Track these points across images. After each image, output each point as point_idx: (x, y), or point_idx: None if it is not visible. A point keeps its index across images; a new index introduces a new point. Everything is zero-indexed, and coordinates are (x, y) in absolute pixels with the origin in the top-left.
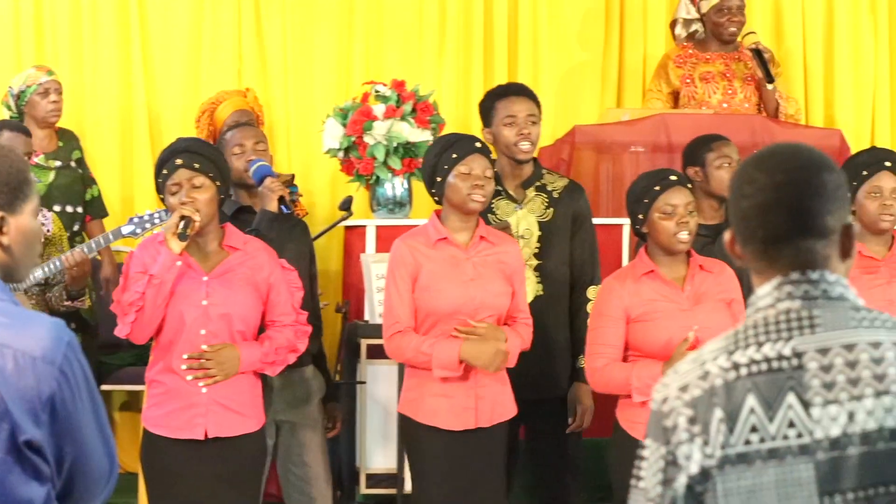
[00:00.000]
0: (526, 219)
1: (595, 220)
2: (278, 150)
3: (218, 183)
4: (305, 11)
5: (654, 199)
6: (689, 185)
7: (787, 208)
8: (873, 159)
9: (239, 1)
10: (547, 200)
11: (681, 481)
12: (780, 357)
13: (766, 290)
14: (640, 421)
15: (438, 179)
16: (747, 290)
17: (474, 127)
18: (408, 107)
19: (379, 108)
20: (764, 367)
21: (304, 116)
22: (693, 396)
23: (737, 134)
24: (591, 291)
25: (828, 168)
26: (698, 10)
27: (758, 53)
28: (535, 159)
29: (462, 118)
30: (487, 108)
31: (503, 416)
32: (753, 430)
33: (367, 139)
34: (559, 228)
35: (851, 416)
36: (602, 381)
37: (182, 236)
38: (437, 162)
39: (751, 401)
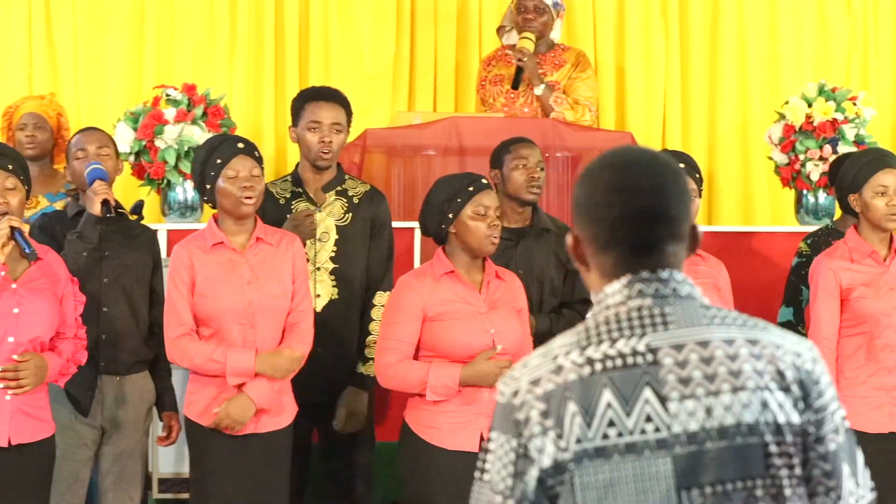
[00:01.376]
0: (324, 222)
1: None
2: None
3: (26, 187)
4: (96, 15)
5: (468, 199)
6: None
7: (657, 216)
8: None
9: (29, 4)
10: (346, 205)
11: (532, 474)
12: (635, 353)
13: (615, 288)
14: (430, 424)
15: (208, 186)
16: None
17: (265, 130)
18: (199, 110)
19: (170, 112)
20: (619, 362)
21: (95, 120)
22: (546, 390)
23: (528, 137)
24: (379, 297)
25: (681, 173)
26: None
27: (517, 60)
28: (338, 164)
29: (253, 122)
30: (297, 108)
31: (280, 424)
32: (611, 424)
33: (159, 143)
34: (357, 233)
35: (709, 412)
36: (394, 377)
37: (31, 255)
38: (203, 169)
39: (607, 395)
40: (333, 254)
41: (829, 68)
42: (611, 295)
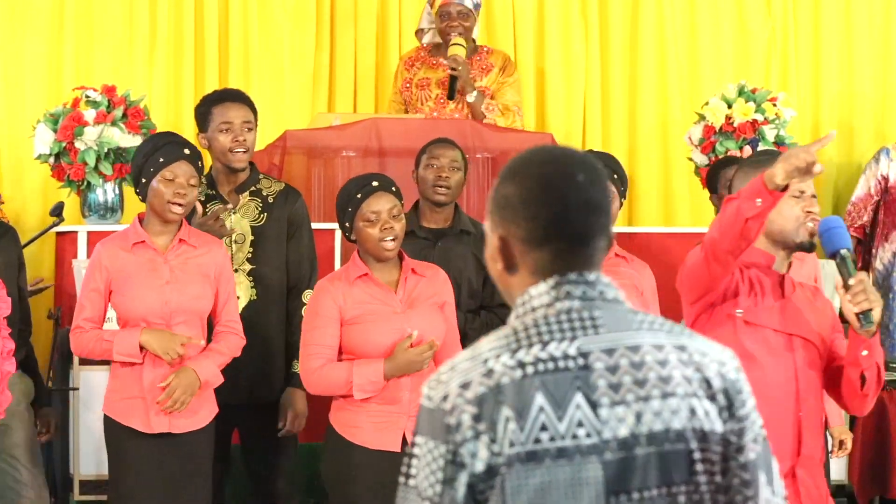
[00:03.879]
0: (239, 223)
1: None
2: None
3: None
4: (14, 16)
5: (358, 206)
6: (394, 189)
7: (595, 208)
8: None
9: None
10: (261, 205)
11: (461, 480)
12: (566, 356)
13: (541, 290)
14: (353, 424)
15: (143, 181)
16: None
17: (185, 131)
18: (118, 112)
19: (90, 114)
20: (551, 366)
21: (14, 122)
22: (477, 394)
23: (449, 138)
24: (307, 295)
25: (599, 174)
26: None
27: (452, 68)
28: (251, 164)
29: (173, 123)
30: (203, 113)
31: (197, 424)
32: (543, 428)
33: (78, 144)
34: (273, 233)
35: (639, 417)
36: (319, 382)
37: None
38: (144, 163)
39: (540, 399)
40: (250, 255)
41: (749, 69)
42: (536, 297)
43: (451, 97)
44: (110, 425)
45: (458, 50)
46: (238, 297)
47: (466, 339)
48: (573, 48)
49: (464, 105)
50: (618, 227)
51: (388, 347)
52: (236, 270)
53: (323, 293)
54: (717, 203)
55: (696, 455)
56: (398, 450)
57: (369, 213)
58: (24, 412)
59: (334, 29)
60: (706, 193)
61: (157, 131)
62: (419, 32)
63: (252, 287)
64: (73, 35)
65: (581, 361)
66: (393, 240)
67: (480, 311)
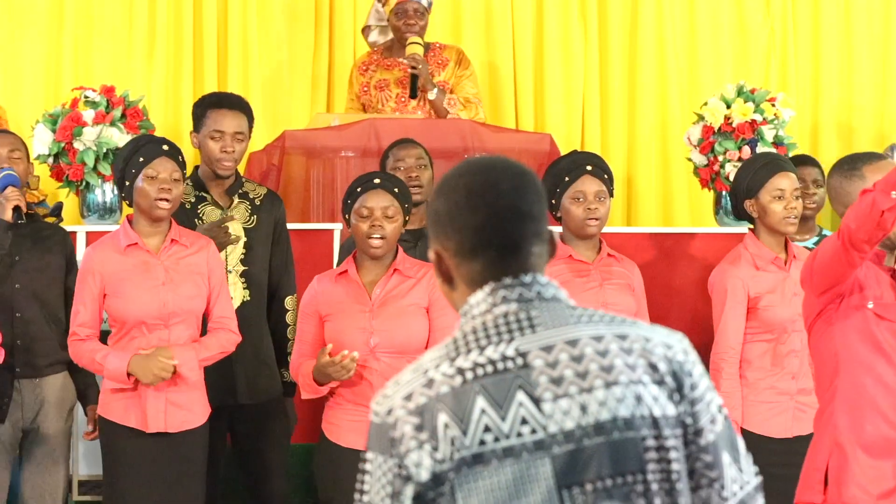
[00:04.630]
0: (232, 225)
1: (307, 226)
2: None
3: None
4: (14, 16)
5: (355, 200)
6: (396, 190)
7: (522, 215)
8: (574, 164)
9: None
10: (250, 208)
11: (407, 493)
12: (505, 358)
13: (479, 297)
14: (338, 424)
15: (127, 183)
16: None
17: (184, 132)
18: (117, 112)
19: (88, 114)
20: (489, 369)
21: (12, 122)
22: (418, 404)
23: (446, 139)
24: (290, 301)
25: (535, 174)
26: (384, 19)
27: (413, 67)
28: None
29: (172, 123)
30: (199, 114)
31: (192, 423)
32: (487, 430)
33: (77, 145)
34: (262, 235)
35: (584, 409)
36: (295, 377)
37: None
38: (125, 166)
39: (480, 402)
40: (243, 256)
41: (748, 69)
42: (475, 305)
43: (413, 96)
44: (106, 425)
45: (416, 48)
46: (231, 298)
47: None
48: (572, 49)
49: (425, 102)
50: (617, 228)
51: (346, 346)
52: (230, 272)
53: (308, 290)
54: (732, 203)
55: (650, 442)
56: None
57: (363, 207)
58: (63, 417)
59: (333, 29)
60: (705, 193)
61: (156, 132)
62: (366, 30)
63: (245, 288)
64: (72, 35)
65: (520, 361)
66: (380, 238)
67: None
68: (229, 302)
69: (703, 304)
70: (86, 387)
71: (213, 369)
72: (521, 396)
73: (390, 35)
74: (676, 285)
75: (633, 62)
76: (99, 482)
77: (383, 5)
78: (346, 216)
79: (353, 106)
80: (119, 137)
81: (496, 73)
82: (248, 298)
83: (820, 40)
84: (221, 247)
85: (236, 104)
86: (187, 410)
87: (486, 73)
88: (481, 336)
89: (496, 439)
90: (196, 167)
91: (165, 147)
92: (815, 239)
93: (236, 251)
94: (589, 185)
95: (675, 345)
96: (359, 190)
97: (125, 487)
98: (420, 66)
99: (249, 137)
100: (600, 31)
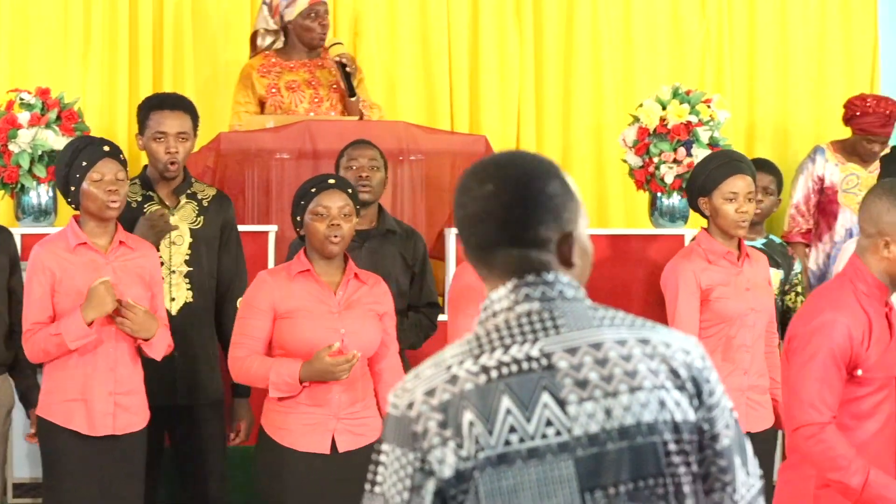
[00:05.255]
0: (178, 225)
1: (243, 228)
2: None
3: None
4: None
5: (310, 200)
6: (350, 191)
7: (493, 218)
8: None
9: None
10: (197, 208)
11: (429, 488)
12: (529, 358)
13: (501, 294)
14: (282, 426)
15: (73, 188)
16: None
17: (120, 133)
18: (52, 115)
19: (24, 116)
20: (514, 368)
21: None
22: (442, 400)
23: (381, 141)
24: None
25: (544, 178)
26: (281, 20)
27: (341, 66)
28: (184, 168)
29: (107, 125)
30: (142, 117)
31: (136, 426)
32: (512, 430)
33: (12, 147)
34: (209, 237)
35: (608, 413)
36: (241, 371)
37: None
38: (68, 171)
39: (506, 402)
40: (188, 257)
41: (684, 71)
42: (497, 301)
43: (352, 95)
44: (46, 427)
45: (341, 48)
46: (173, 299)
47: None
48: (508, 50)
49: (336, 102)
50: None
51: (317, 346)
52: (173, 272)
53: (260, 285)
54: (689, 199)
55: (672, 447)
56: (327, 452)
57: (320, 207)
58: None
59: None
60: (640, 195)
61: (91, 134)
62: (255, 34)
63: (189, 289)
64: (7, 37)
65: (545, 362)
66: (338, 237)
67: (408, 311)
68: (164, 306)
69: (639, 305)
70: (27, 389)
71: (154, 370)
72: (546, 398)
73: (271, 39)
74: (611, 287)
75: (568, 64)
76: (35, 485)
77: (274, 10)
78: (299, 217)
79: (248, 110)
80: (54, 140)
81: (432, 75)
82: (192, 300)
83: (755, 42)
84: (160, 234)
85: (178, 104)
86: (133, 413)
87: (421, 75)
88: (505, 335)
89: (521, 440)
90: (145, 167)
91: (107, 148)
92: (763, 241)
93: (180, 251)
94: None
95: (692, 350)
96: (313, 190)
97: (66, 490)
98: (351, 67)
99: (195, 136)
100: (535, 32)
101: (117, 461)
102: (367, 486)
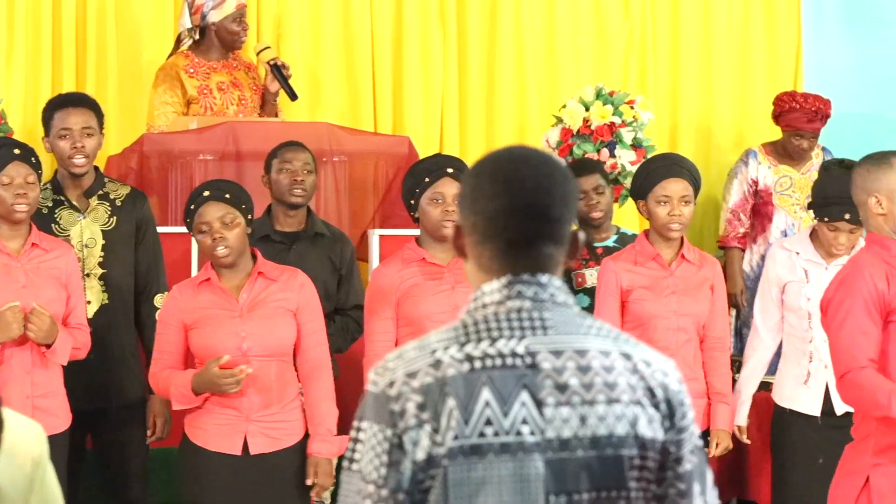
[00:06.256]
0: (89, 228)
1: (164, 229)
2: None
3: None
4: None
5: (192, 217)
6: (228, 196)
7: (535, 213)
8: (435, 166)
9: None
10: (110, 209)
11: (406, 465)
12: (514, 354)
13: (493, 287)
14: (198, 426)
15: None
16: None
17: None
18: None
19: None
20: (498, 362)
21: None
22: (423, 383)
23: (304, 142)
24: (159, 299)
25: (570, 177)
26: (201, 20)
27: (278, 70)
28: (96, 168)
29: (31, 126)
30: (46, 118)
31: (57, 429)
32: (488, 423)
33: None
34: (123, 237)
35: (583, 420)
36: (157, 386)
37: None
38: None
39: (486, 394)
40: (101, 259)
41: (607, 72)
42: (488, 293)
43: (294, 98)
44: None
45: (273, 53)
46: (89, 302)
47: None
48: (431, 51)
49: (257, 103)
50: None
51: (218, 352)
52: (88, 275)
53: (170, 300)
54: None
55: (636, 461)
56: (238, 453)
57: (200, 224)
58: None
59: None
60: None
61: (14, 136)
62: (181, 37)
63: (104, 291)
64: None
65: (529, 360)
66: (226, 248)
67: (335, 314)
68: (85, 310)
69: None
70: None
71: (73, 373)
72: (524, 396)
73: (190, 39)
74: None
75: (491, 64)
76: None
77: (195, 10)
78: (192, 233)
79: (176, 110)
80: None
81: (355, 75)
82: (107, 302)
83: (679, 42)
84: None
85: (80, 101)
86: (52, 415)
87: (344, 75)
88: (493, 327)
89: (496, 433)
90: (56, 171)
91: (17, 151)
92: (615, 238)
93: (94, 254)
94: (448, 187)
95: (670, 373)
96: (192, 207)
97: None
98: (287, 70)
99: (101, 133)
100: (459, 32)
101: None
102: (346, 464)
